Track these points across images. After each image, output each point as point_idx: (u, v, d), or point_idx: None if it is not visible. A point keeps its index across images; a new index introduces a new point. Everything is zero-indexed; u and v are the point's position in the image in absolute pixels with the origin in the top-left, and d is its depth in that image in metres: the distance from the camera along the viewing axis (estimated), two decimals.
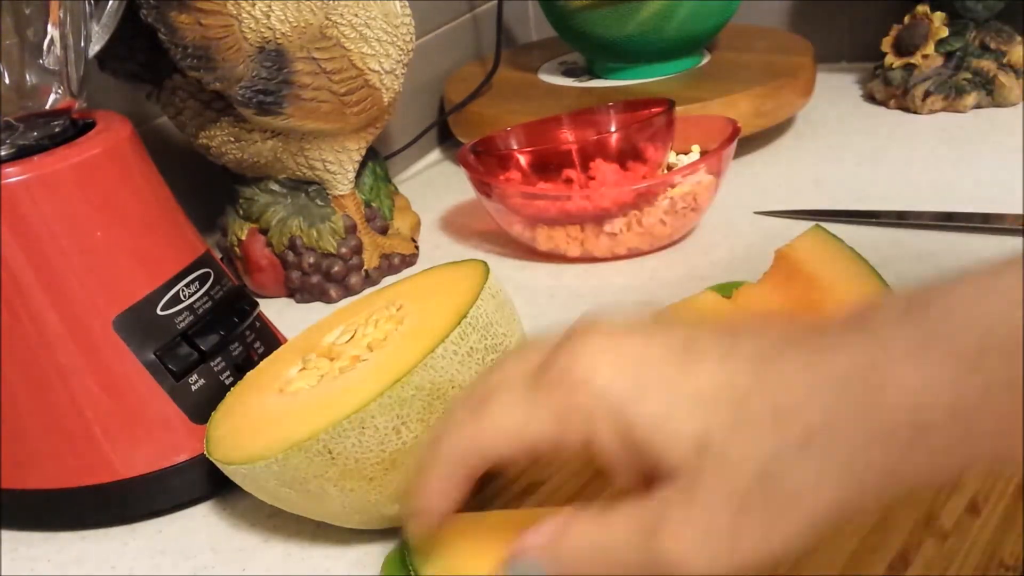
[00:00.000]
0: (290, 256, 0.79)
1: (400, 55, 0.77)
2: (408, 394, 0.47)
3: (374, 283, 0.81)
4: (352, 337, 0.55)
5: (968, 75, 0.99)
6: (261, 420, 0.52)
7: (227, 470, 0.51)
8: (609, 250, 0.80)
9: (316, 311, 0.78)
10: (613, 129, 0.86)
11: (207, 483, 0.58)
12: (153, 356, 0.56)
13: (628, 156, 0.80)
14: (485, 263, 0.54)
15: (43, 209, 0.54)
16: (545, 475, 0.54)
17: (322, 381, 0.52)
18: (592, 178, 0.80)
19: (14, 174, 0.53)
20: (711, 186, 0.79)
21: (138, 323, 0.56)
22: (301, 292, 0.80)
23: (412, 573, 0.44)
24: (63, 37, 0.56)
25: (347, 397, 0.49)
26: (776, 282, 0.62)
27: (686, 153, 0.85)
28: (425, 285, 0.56)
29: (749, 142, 0.93)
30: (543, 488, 0.54)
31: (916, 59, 1.00)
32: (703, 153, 0.84)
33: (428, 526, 0.42)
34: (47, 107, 0.57)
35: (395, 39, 0.76)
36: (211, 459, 0.52)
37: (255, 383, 0.56)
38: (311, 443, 0.47)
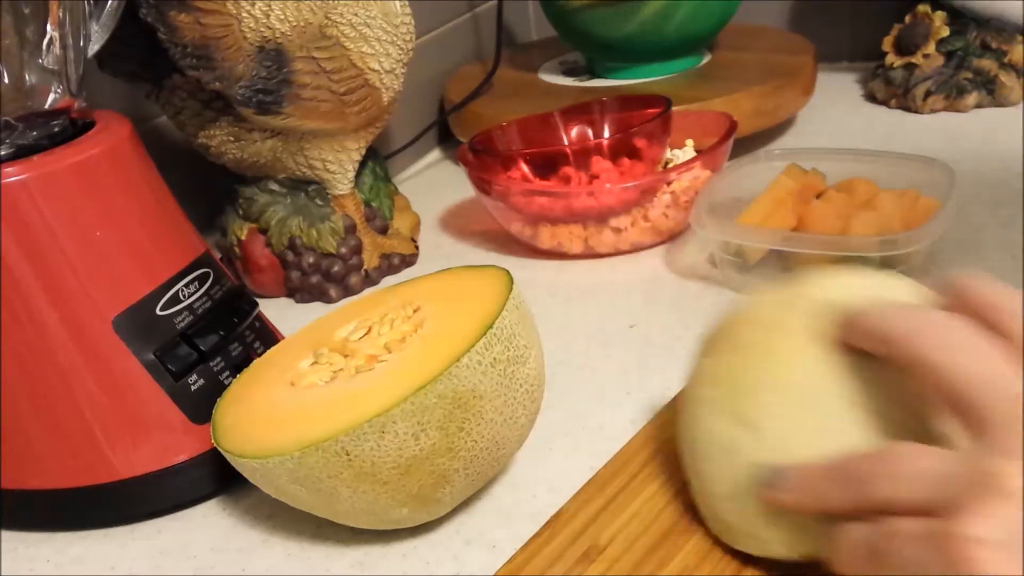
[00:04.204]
0: (290, 256, 0.79)
1: (400, 55, 0.77)
2: (431, 401, 0.47)
3: (374, 283, 0.81)
4: (366, 334, 0.55)
5: (969, 75, 0.99)
6: (273, 413, 0.52)
7: (237, 462, 0.51)
8: (613, 246, 0.80)
9: (316, 311, 0.78)
10: (608, 125, 0.86)
11: (207, 483, 0.58)
12: (152, 356, 0.56)
13: (624, 153, 0.81)
14: (508, 272, 0.54)
15: (42, 209, 0.54)
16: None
17: (338, 378, 0.52)
18: (596, 176, 0.80)
19: (13, 174, 0.53)
20: (710, 180, 0.79)
21: (137, 323, 0.56)
22: (301, 292, 0.80)
23: None
24: (62, 36, 0.56)
25: (368, 399, 0.48)
26: None
27: (680, 148, 0.85)
28: (443, 288, 0.56)
29: (750, 141, 0.93)
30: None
31: (917, 59, 1.00)
32: (698, 148, 0.84)
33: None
34: (46, 106, 0.56)
35: (395, 39, 0.76)
36: (220, 448, 0.51)
37: (263, 373, 0.56)
38: (329, 443, 0.47)
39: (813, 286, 0.48)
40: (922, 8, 1.01)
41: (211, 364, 0.58)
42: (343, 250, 0.79)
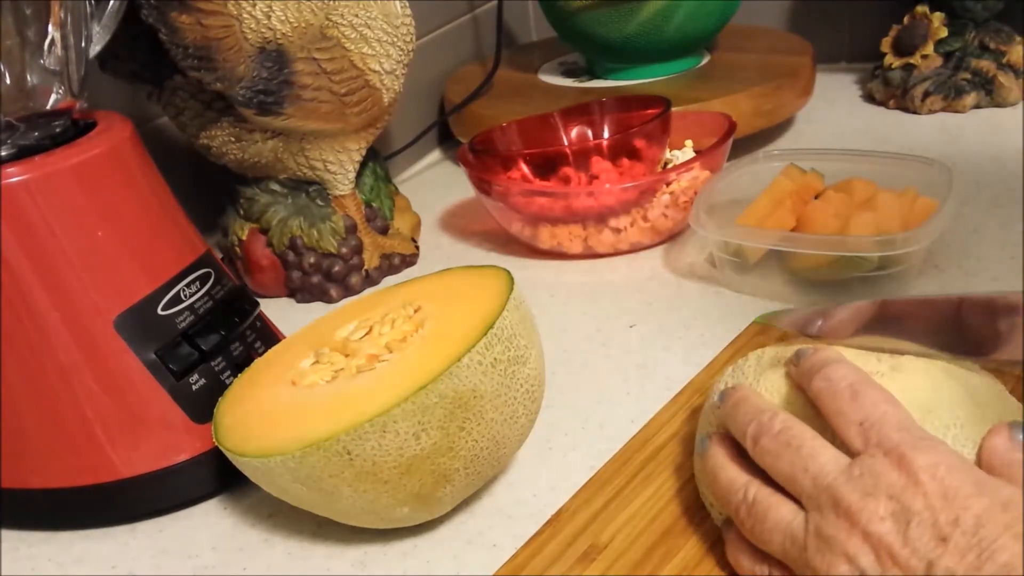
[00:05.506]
0: (291, 256, 0.79)
1: (400, 55, 0.77)
2: (432, 401, 0.48)
3: (374, 283, 0.81)
4: (367, 334, 0.55)
5: (967, 75, 0.99)
6: (275, 412, 0.52)
7: (238, 462, 0.51)
8: (612, 246, 0.80)
9: (316, 311, 0.78)
10: (607, 126, 0.87)
11: (208, 482, 0.58)
12: (154, 356, 0.56)
13: (624, 154, 0.81)
14: (508, 272, 0.54)
15: (44, 209, 0.54)
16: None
17: (339, 378, 0.52)
18: (595, 177, 0.80)
19: (15, 174, 0.53)
20: (709, 180, 0.80)
21: (139, 323, 0.56)
22: (302, 292, 0.80)
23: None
24: (64, 37, 0.56)
25: (369, 399, 0.49)
26: None
27: (680, 148, 0.85)
28: (443, 288, 0.56)
29: (749, 142, 0.93)
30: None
31: (915, 59, 1.00)
32: (697, 148, 0.85)
33: None
34: (48, 107, 0.57)
35: (395, 39, 0.76)
36: (221, 447, 0.52)
37: (265, 372, 0.56)
38: (331, 443, 0.47)
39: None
40: (921, 9, 1.01)
41: (212, 364, 0.58)
42: (344, 250, 0.79)
